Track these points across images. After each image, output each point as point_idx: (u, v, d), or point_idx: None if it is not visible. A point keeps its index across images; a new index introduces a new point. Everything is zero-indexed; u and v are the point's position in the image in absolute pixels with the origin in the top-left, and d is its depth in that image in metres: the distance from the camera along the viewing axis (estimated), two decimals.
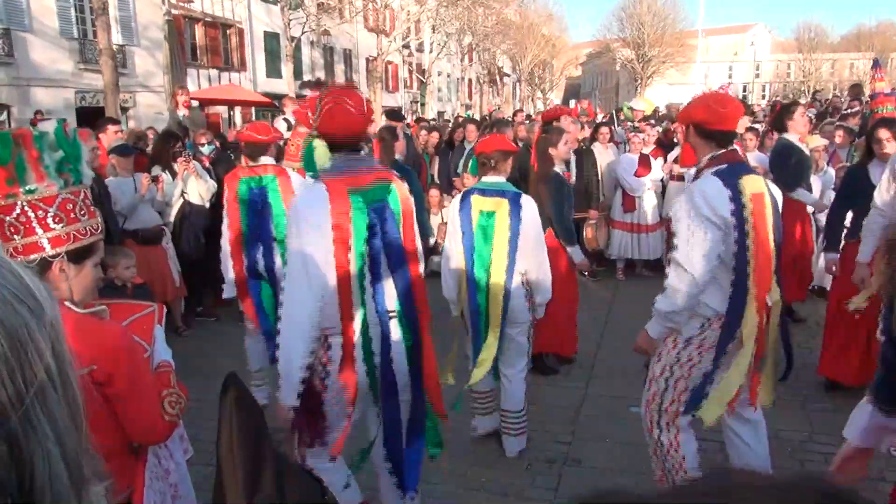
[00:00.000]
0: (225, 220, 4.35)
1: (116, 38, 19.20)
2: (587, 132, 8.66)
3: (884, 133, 4.31)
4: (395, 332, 2.54)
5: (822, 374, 4.58)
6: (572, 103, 30.98)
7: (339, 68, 33.54)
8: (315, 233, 2.36)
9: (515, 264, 3.55)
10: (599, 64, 63.31)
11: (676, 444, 2.92)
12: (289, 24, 24.26)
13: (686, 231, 2.74)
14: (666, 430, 2.93)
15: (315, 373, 2.48)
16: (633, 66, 51.16)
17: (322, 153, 2.47)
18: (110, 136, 6.38)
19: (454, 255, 3.72)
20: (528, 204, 3.60)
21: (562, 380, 4.95)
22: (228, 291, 4.40)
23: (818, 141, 6.44)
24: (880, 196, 3.84)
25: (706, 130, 2.81)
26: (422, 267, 2.66)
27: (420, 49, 37.48)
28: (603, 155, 7.98)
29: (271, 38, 27.98)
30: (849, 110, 9.31)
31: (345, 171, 2.45)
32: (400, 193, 2.54)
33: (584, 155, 7.51)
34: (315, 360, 2.47)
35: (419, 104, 36.98)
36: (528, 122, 11.37)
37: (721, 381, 2.82)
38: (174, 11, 22.73)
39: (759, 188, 2.78)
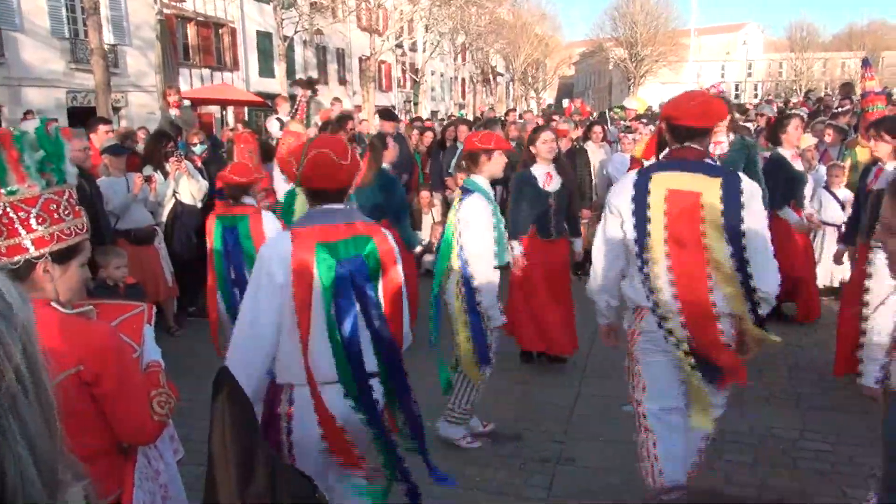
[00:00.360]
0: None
1: (108, 37, 19.12)
2: (580, 131, 8.67)
3: None
4: (377, 391, 2.41)
5: (837, 375, 4.57)
6: (565, 102, 31.04)
7: (332, 68, 33.50)
8: (272, 285, 2.27)
9: (453, 262, 3.69)
10: (592, 63, 63.44)
11: (648, 449, 2.91)
12: (281, 23, 24.22)
13: (600, 222, 2.95)
14: (643, 432, 2.93)
15: (279, 425, 2.38)
16: (625, 65, 51.30)
17: (302, 203, 2.38)
18: (101, 136, 6.35)
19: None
20: (470, 203, 3.66)
21: (555, 379, 4.95)
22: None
23: (808, 140, 6.47)
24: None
25: (672, 126, 2.84)
26: (405, 330, 2.56)
27: (413, 48, 37.50)
28: (596, 154, 8.00)
29: (264, 38, 27.92)
30: (839, 109, 9.35)
31: (318, 222, 2.35)
32: (380, 248, 2.41)
33: (577, 154, 7.54)
34: (279, 413, 2.37)
35: (413, 103, 36.97)
36: (520, 121, 11.38)
37: (688, 384, 2.83)
38: (166, 11, 22.66)
39: (688, 186, 2.72)
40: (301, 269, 2.26)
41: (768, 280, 2.75)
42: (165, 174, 6.14)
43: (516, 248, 4.90)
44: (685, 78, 47.67)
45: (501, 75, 50.46)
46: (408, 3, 31.41)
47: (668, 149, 2.88)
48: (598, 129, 8.51)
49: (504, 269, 3.87)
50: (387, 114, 9.03)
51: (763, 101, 23.34)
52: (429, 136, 9.56)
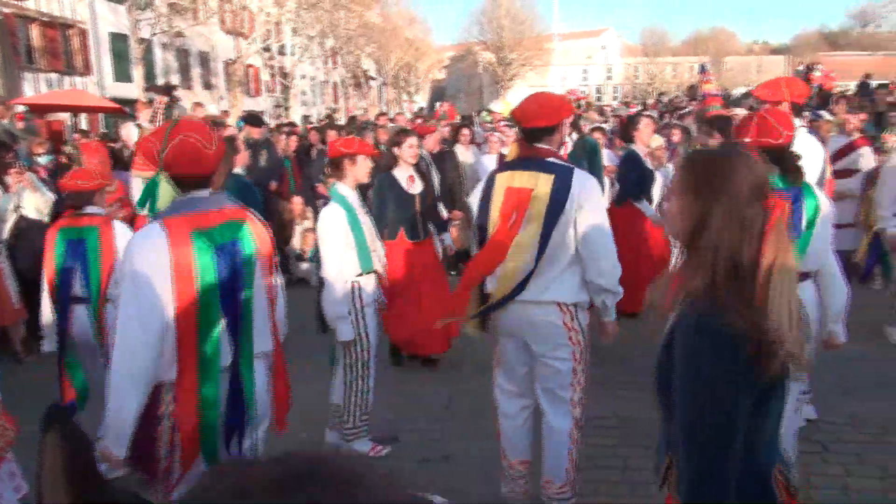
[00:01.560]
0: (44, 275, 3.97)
1: None
2: (447, 133, 8.82)
3: None
4: (260, 372, 2.40)
5: None
6: (438, 105, 31.44)
7: (196, 72, 32.05)
8: (152, 278, 2.18)
9: (337, 265, 3.68)
10: (463, 67, 64.62)
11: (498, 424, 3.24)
12: (137, 24, 22.91)
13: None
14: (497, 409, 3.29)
15: (161, 425, 2.29)
16: (494, 68, 52.66)
17: (166, 192, 2.29)
18: None
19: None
20: (324, 213, 3.69)
21: (430, 377, 5.01)
22: (49, 344, 4.02)
23: (657, 140, 6.93)
24: None
25: (522, 129, 3.02)
26: (280, 309, 2.55)
27: (282, 52, 36.60)
28: (464, 156, 8.17)
29: (118, 40, 26.25)
30: (686, 110, 10.09)
31: (189, 210, 2.29)
32: (255, 232, 2.38)
33: (446, 156, 7.66)
34: (162, 414, 2.28)
35: (284, 108, 36.10)
36: (391, 125, 11.41)
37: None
38: (5, 10, 20.84)
39: (523, 183, 2.89)
40: (181, 260, 2.18)
41: (604, 270, 2.90)
42: (6, 187, 5.66)
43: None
44: (551, 81, 49.69)
45: (374, 79, 50.34)
46: (274, 6, 30.66)
47: (518, 149, 3.07)
48: (465, 131, 8.70)
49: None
50: (253, 119, 8.77)
51: (620, 104, 24.76)
52: (294, 140, 9.40)
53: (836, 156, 7.06)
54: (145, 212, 2.42)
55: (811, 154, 3.65)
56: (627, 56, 64.45)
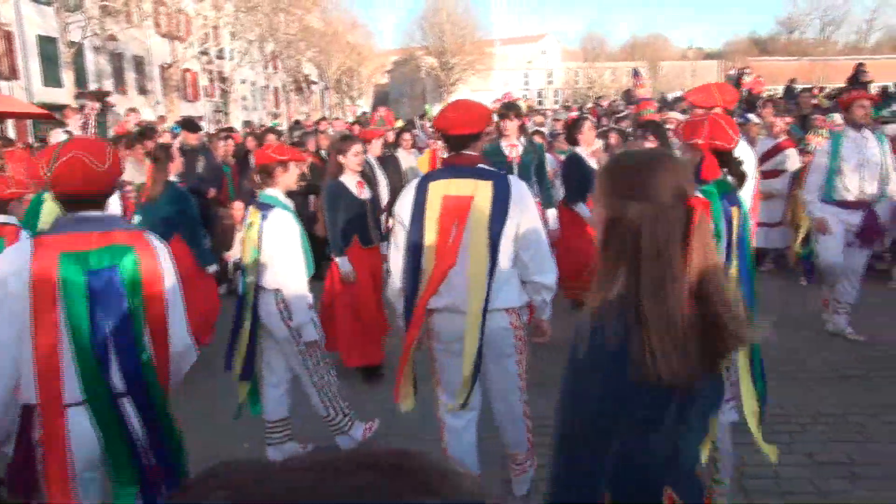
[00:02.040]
0: None
1: None
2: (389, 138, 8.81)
3: None
4: (128, 412, 2.25)
5: None
6: (382, 110, 31.37)
7: (131, 76, 31.15)
8: (8, 298, 2.08)
9: (261, 278, 3.60)
10: (405, 71, 64.67)
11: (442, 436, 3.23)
12: (66, 27, 22.13)
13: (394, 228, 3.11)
14: (440, 422, 3.25)
15: (35, 453, 2.19)
16: (437, 73, 52.89)
17: (49, 210, 2.19)
18: None
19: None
20: (276, 219, 3.56)
21: (368, 388, 4.98)
22: None
23: (595, 143, 7.07)
24: None
25: (446, 137, 3.03)
26: (177, 341, 2.36)
27: (220, 56, 35.94)
28: (406, 160, 8.17)
29: (47, 43, 25.30)
30: (622, 114, 10.33)
31: (68, 230, 2.18)
32: (143, 261, 2.23)
33: (387, 161, 7.64)
34: (35, 440, 2.17)
35: (223, 113, 35.43)
36: (331, 130, 11.32)
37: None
38: None
39: (461, 192, 2.89)
40: (41, 281, 2.07)
41: (546, 270, 2.98)
42: None
43: (345, 264, 4.89)
44: (493, 85, 50.21)
45: (315, 83, 49.88)
46: (211, 9, 30.08)
47: (448, 157, 3.06)
48: (407, 135, 8.70)
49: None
50: (189, 124, 8.57)
51: (561, 108, 25.18)
52: (231, 144, 9.22)
53: (764, 157, 7.37)
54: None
55: (746, 159, 3.79)
56: (568, 61, 65.63)
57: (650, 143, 4.86)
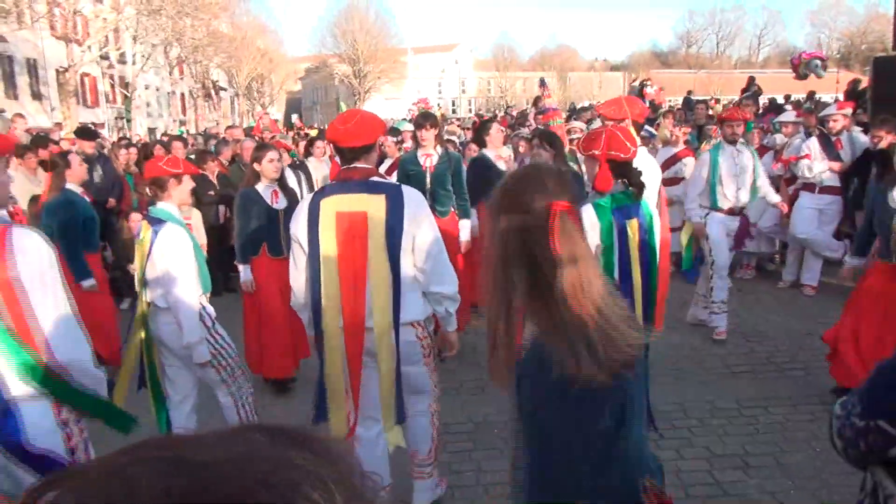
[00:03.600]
0: None
1: None
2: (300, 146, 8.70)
3: None
4: None
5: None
6: (294, 118, 30.82)
7: (24, 80, 29.37)
8: None
9: (156, 293, 3.48)
10: (318, 79, 63.97)
11: None
12: None
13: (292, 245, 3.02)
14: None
15: None
16: (350, 80, 52.55)
17: None
18: None
19: None
20: (168, 235, 3.43)
21: (282, 399, 4.89)
22: None
23: (505, 151, 7.22)
24: None
25: (336, 148, 3.01)
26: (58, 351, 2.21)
27: (122, 60, 34.40)
28: (318, 169, 8.08)
29: None
30: (531, 123, 10.59)
31: None
32: None
33: (299, 169, 7.54)
34: None
35: (126, 120, 33.90)
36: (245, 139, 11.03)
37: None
38: None
39: (354, 207, 2.86)
40: None
41: (445, 281, 2.99)
42: None
43: (247, 272, 4.79)
44: (406, 94, 50.28)
45: (225, 90, 48.56)
46: (111, 11, 28.76)
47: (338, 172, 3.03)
48: (320, 143, 8.60)
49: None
50: (85, 132, 8.16)
51: (474, 116, 25.57)
52: (133, 152, 8.87)
53: (664, 166, 7.73)
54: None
55: (650, 171, 3.94)
56: (480, 70, 66.64)
57: (546, 153, 5.02)
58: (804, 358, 5.27)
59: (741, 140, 5.85)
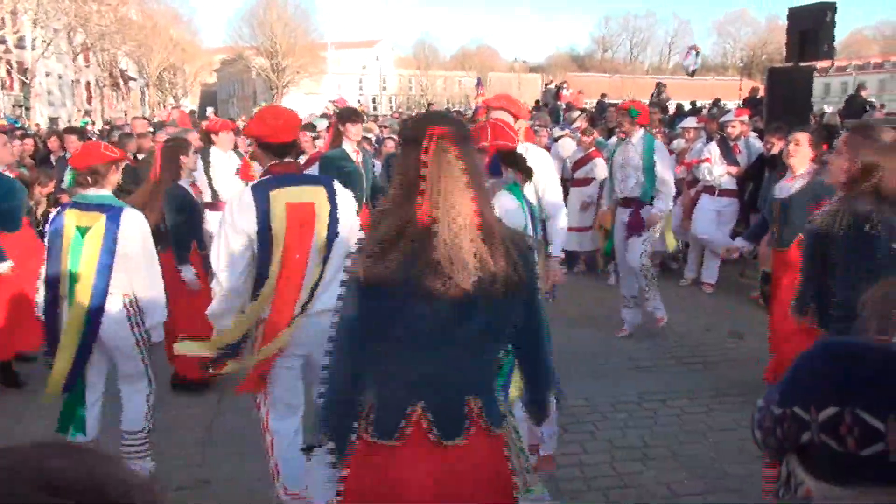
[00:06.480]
0: None
1: None
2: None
3: None
4: None
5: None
6: (209, 111, 29.87)
7: None
8: None
9: (108, 283, 3.37)
10: (234, 71, 62.21)
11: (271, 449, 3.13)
12: None
13: (216, 239, 2.95)
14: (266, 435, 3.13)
15: None
16: (268, 74, 51.38)
17: None
18: None
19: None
20: (132, 218, 3.41)
21: (191, 400, 4.74)
22: None
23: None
24: None
25: (263, 143, 3.01)
26: None
27: (20, 45, 32.41)
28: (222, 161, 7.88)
29: None
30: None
31: None
32: None
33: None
34: None
35: (24, 108, 31.95)
36: (153, 131, 10.61)
37: None
38: None
39: (303, 198, 2.92)
40: None
41: None
42: None
43: (189, 272, 4.64)
44: (326, 89, 49.59)
45: (134, 80, 46.55)
46: None
47: (267, 165, 3.01)
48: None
49: None
50: None
51: (395, 114, 25.53)
52: (29, 144, 8.38)
53: (576, 166, 7.96)
54: None
55: (543, 161, 4.07)
56: (401, 68, 66.54)
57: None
58: (702, 352, 5.54)
59: (639, 135, 5.59)
